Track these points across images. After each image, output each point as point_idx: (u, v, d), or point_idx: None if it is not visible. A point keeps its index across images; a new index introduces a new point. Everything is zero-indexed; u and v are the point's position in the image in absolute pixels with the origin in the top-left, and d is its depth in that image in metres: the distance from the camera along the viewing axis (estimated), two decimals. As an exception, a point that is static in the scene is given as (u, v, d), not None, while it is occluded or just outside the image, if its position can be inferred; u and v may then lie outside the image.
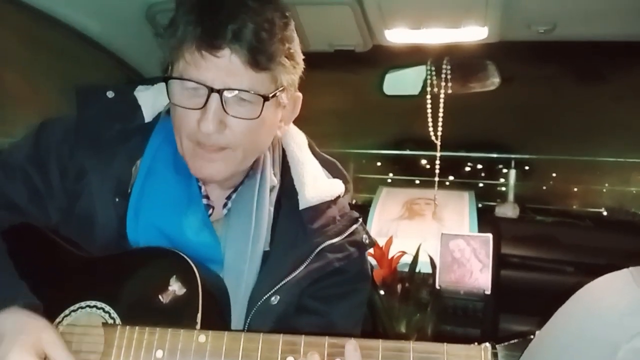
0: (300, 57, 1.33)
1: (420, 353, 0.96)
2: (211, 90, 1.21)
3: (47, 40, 2.23)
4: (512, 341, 0.94)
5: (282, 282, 1.32)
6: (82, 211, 1.35)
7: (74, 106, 1.42)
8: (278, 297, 1.32)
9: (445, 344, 0.96)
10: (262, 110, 1.24)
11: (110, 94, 1.41)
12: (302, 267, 1.34)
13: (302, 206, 1.40)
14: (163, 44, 1.28)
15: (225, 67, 1.20)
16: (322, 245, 1.36)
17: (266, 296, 1.31)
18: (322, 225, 1.39)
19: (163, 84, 1.31)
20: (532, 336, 0.88)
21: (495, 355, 0.94)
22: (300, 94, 1.39)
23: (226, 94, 1.21)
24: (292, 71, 1.30)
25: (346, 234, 1.40)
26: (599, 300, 0.80)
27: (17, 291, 1.22)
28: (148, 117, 1.44)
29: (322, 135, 1.59)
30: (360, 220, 1.46)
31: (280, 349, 1.04)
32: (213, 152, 1.27)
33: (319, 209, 1.40)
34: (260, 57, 1.21)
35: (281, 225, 1.42)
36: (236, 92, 1.22)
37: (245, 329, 1.30)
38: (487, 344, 0.95)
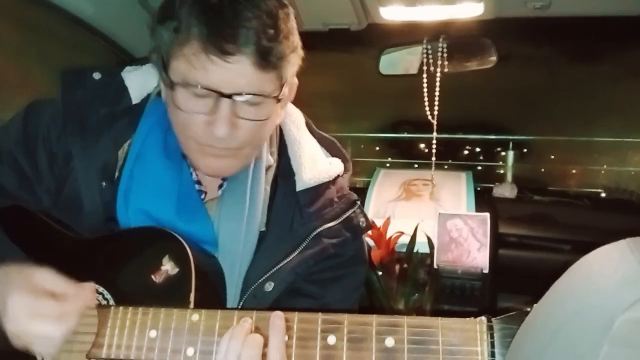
0: (300, 45, 1.28)
1: (414, 328, 0.95)
2: (221, 95, 1.16)
3: (39, 22, 2.21)
4: (508, 314, 0.93)
5: (277, 267, 1.30)
6: (69, 195, 1.33)
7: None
8: (272, 284, 1.29)
9: (440, 318, 0.95)
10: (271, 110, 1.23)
11: (96, 76, 1.37)
12: (297, 252, 1.31)
13: (299, 188, 1.37)
14: (158, 36, 1.20)
15: (235, 71, 1.15)
16: (318, 230, 1.33)
17: (261, 280, 1.29)
18: (319, 207, 1.36)
19: (151, 65, 1.27)
20: (528, 309, 0.87)
21: (490, 328, 0.93)
22: (296, 80, 1.34)
23: (236, 98, 1.17)
24: (295, 63, 1.26)
25: (343, 217, 1.36)
26: (595, 272, 0.79)
27: (6, 253, 1.22)
28: (136, 98, 1.39)
29: (317, 118, 1.55)
30: (358, 203, 1.42)
31: None
32: (223, 150, 1.24)
33: (317, 190, 1.37)
34: (270, 58, 1.16)
35: (277, 206, 1.39)
36: (246, 96, 1.18)
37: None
38: (483, 317, 0.94)
